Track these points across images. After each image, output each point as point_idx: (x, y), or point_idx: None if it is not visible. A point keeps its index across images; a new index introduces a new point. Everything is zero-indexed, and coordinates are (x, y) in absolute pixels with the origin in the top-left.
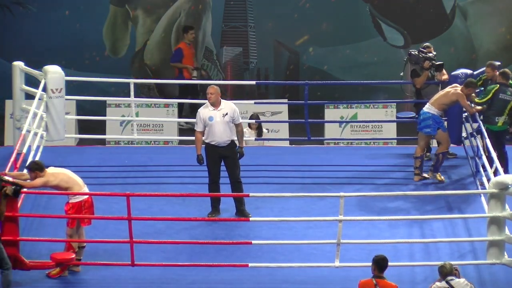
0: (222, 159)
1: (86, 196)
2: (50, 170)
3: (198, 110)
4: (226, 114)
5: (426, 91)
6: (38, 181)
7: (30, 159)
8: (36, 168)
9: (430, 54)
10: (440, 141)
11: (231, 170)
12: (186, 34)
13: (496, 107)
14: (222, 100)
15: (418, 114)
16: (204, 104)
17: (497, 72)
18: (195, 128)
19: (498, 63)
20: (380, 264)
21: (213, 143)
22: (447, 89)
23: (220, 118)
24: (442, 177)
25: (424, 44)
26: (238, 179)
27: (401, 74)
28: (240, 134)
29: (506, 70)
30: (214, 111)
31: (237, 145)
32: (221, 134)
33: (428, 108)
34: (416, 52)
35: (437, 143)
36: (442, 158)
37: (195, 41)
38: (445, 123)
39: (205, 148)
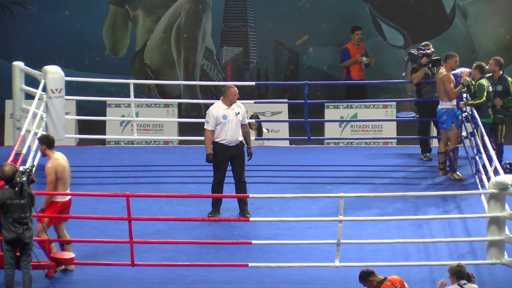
0: (230, 159)
1: (65, 199)
2: (57, 155)
3: (210, 108)
4: (238, 113)
5: (426, 89)
6: (50, 177)
7: (30, 159)
8: (45, 142)
9: (428, 51)
10: (449, 138)
11: (237, 170)
12: (352, 35)
13: (487, 100)
14: None
15: (418, 114)
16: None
17: (498, 69)
18: (205, 127)
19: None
20: (361, 276)
21: (224, 142)
22: (438, 76)
23: (233, 117)
24: (460, 175)
25: (423, 43)
26: (243, 178)
27: (403, 74)
28: (247, 134)
29: (482, 63)
30: (227, 110)
31: (245, 145)
32: (233, 133)
33: (440, 104)
34: (415, 51)
35: (441, 142)
36: (454, 156)
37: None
38: (460, 117)
39: (213, 148)
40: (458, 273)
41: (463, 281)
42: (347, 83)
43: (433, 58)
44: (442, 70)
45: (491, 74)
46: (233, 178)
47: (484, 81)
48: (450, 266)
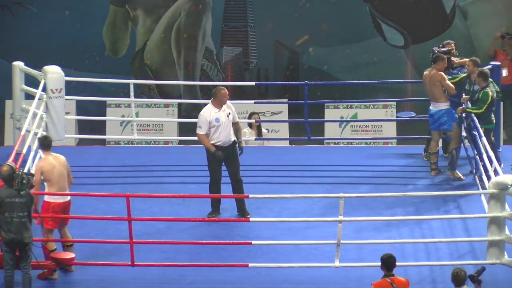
0: (225, 159)
1: (58, 200)
2: (48, 157)
3: (201, 113)
4: (229, 113)
5: None
6: (36, 177)
7: (30, 159)
8: (41, 144)
9: (444, 49)
10: (452, 137)
11: (232, 169)
12: (503, 40)
13: (492, 107)
14: None
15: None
16: (198, 105)
17: (477, 69)
18: (198, 132)
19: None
20: (386, 262)
21: (218, 143)
22: (427, 79)
23: (225, 118)
24: (460, 174)
25: (445, 42)
26: (239, 177)
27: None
28: (239, 130)
29: (486, 70)
30: (218, 112)
31: (237, 142)
32: (227, 135)
33: (435, 107)
34: (437, 48)
35: (433, 142)
36: (456, 155)
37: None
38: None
39: (207, 150)
40: (456, 280)
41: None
42: (347, 83)
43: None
44: (431, 71)
45: (468, 74)
46: (229, 177)
47: (489, 91)
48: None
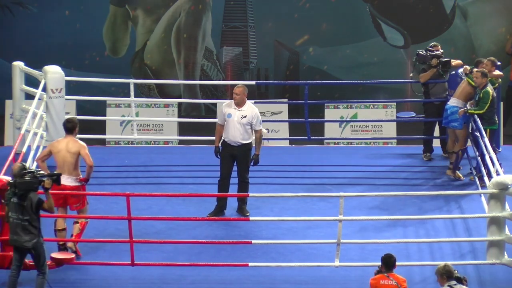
0: (234, 159)
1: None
2: (62, 139)
3: (223, 104)
4: (245, 116)
5: (433, 90)
6: (45, 150)
7: (30, 159)
8: (64, 125)
9: (437, 52)
10: (458, 137)
11: (239, 170)
12: None
13: (494, 106)
14: (248, 102)
15: (425, 113)
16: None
17: (485, 80)
18: (217, 121)
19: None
20: (386, 261)
21: (226, 140)
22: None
23: (237, 118)
24: (460, 175)
25: (432, 43)
26: (245, 179)
27: (411, 75)
28: (258, 140)
29: (484, 70)
30: (234, 109)
31: (252, 148)
32: (234, 133)
33: (454, 102)
34: (424, 52)
35: (449, 141)
36: (461, 156)
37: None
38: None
39: (221, 145)
40: (448, 273)
41: (453, 282)
42: (347, 83)
43: (443, 60)
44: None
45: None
46: (237, 178)
47: (490, 89)
48: (438, 267)
